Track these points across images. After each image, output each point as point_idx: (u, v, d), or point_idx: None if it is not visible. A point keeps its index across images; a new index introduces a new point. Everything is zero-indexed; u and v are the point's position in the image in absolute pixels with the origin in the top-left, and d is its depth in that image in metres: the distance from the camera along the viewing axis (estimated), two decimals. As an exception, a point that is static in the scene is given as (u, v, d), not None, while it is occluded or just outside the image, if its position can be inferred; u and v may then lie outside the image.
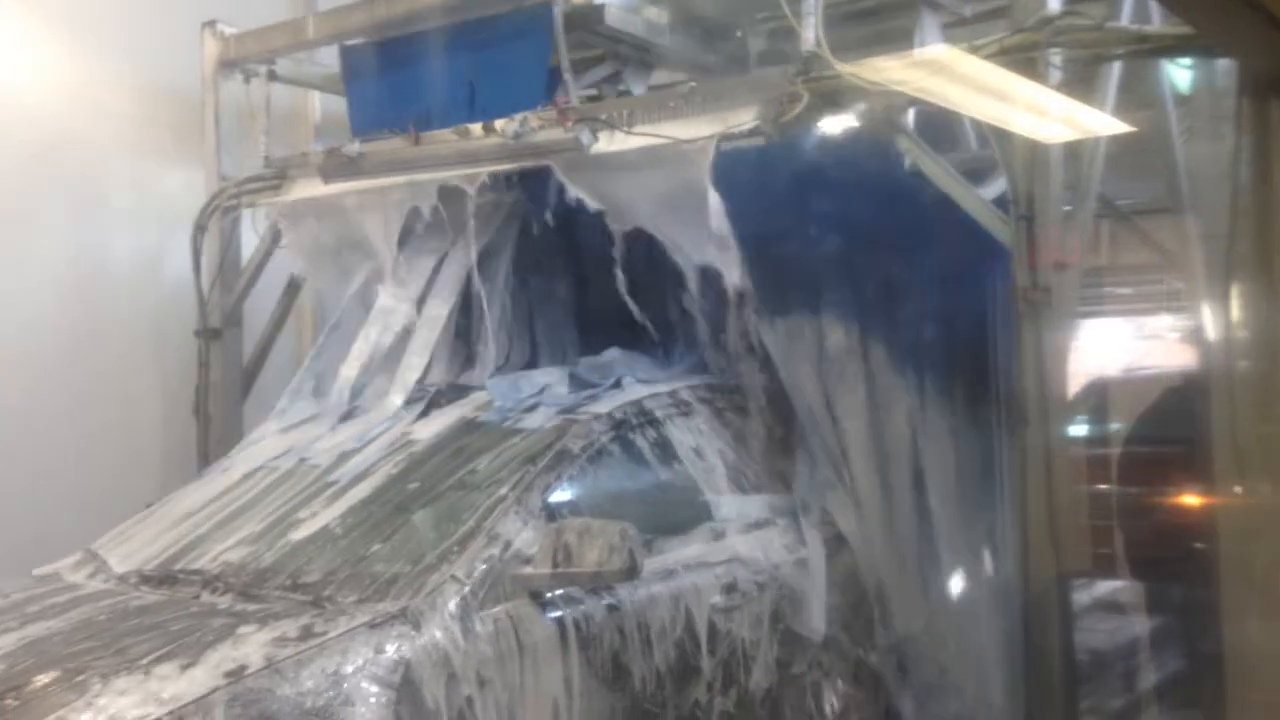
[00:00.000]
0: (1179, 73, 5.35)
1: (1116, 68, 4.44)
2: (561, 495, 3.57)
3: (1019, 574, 4.19)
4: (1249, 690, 3.45)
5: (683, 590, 3.64)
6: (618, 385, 4.25)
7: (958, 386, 4.64)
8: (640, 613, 3.47)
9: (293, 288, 5.94)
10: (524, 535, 3.32)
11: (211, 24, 5.85)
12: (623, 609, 3.43)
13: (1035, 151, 3.97)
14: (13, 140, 5.49)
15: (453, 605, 3.07)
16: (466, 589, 3.12)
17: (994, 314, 4.77)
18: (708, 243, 4.15)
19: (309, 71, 6.21)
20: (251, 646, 2.81)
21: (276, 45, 5.80)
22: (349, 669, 2.80)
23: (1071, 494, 4.10)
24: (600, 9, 4.81)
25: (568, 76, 4.56)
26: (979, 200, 4.18)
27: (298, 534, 3.57)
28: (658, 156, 4.19)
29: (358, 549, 3.39)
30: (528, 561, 3.25)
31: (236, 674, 2.69)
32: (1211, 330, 4.19)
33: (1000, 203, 4.17)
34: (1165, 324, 13.21)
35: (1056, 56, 3.85)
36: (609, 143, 4.31)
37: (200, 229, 5.74)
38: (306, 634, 2.89)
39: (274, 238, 5.62)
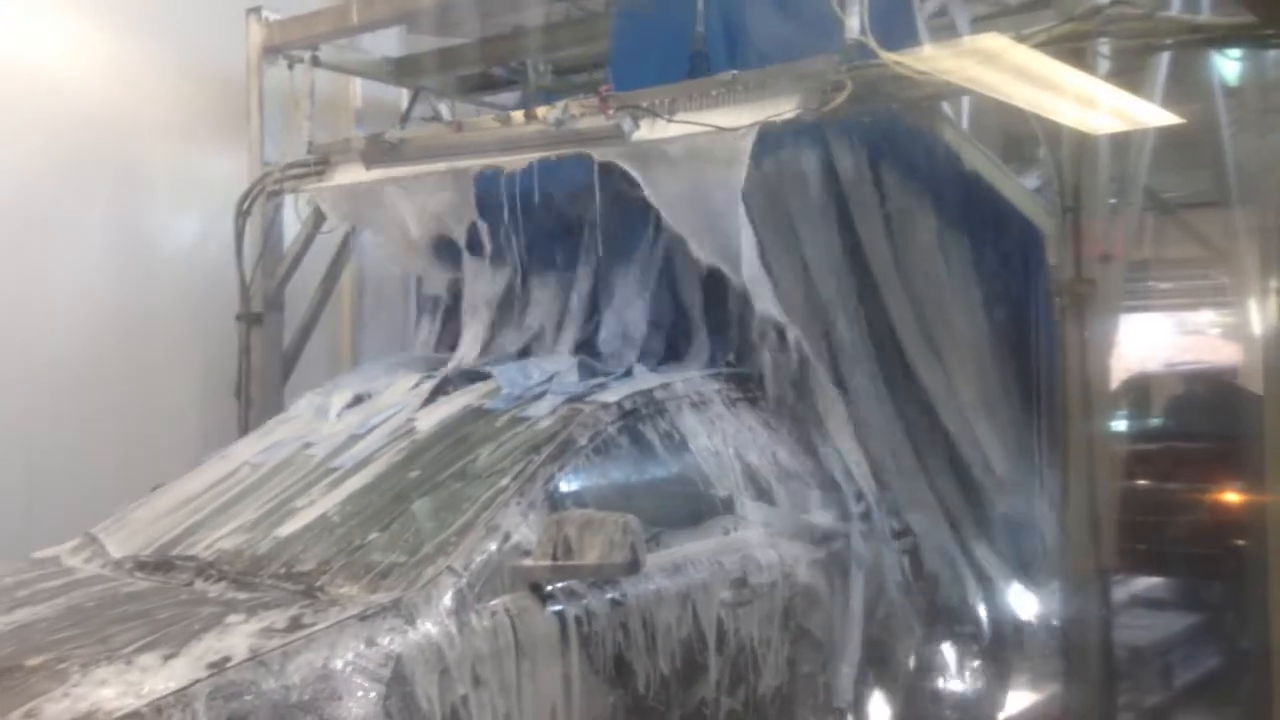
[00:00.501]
0: (1227, 64, 5.29)
1: (1165, 59, 4.39)
2: (566, 486, 3.47)
3: (1058, 568, 4.18)
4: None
5: (690, 586, 3.53)
6: (629, 374, 4.19)
7: (1007, 379, 4.63)
8: (645, 608, 3.37)
9: (333, 272, 5.99)
10: (524, 527, 3.22)
11: (256, 10, 5.90)
12: (627, 604, 3.32)
13: (1082, 142, 3.92)
14: (60, 125, 5.57)
15: (448, 598, 2.96)
16: (463, 581, 3.01)
17: (1037, 304, 4.76)
18: (739, 263, 4.13)
19: (351, 58, 6.26)
20: (237, 637, 2.73)
21: (320, 31, 5.84)
22: (337, 663, 2.70)
23: (1113, 488, 4.07)
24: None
25: None
26: (1023, 190, 4.14)
27: (295, 521, 3.49)
28: (697, 150, 4.16)
29: (354, 538, 3.29)
30: (528, 554, 3.15)
31: (219, 665, 2.60)
32: (1259, 325, 4.13)
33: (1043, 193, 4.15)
34: (1209, 319, 13.12)
35: (1105, 46, 3.79)
36: (650, 130, 4.30)
37: (243, 214, 5.80)
38: (295, 625, 2.80)
39: (316, 222, 5.66)
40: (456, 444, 3.73)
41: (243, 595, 3.06)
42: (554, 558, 3.09)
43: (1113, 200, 4.21)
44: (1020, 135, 4.93)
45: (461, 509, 3.28)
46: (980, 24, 5.12)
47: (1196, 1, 4.50)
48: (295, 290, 6.01)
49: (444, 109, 6.62)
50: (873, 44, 3.83)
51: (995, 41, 3.52)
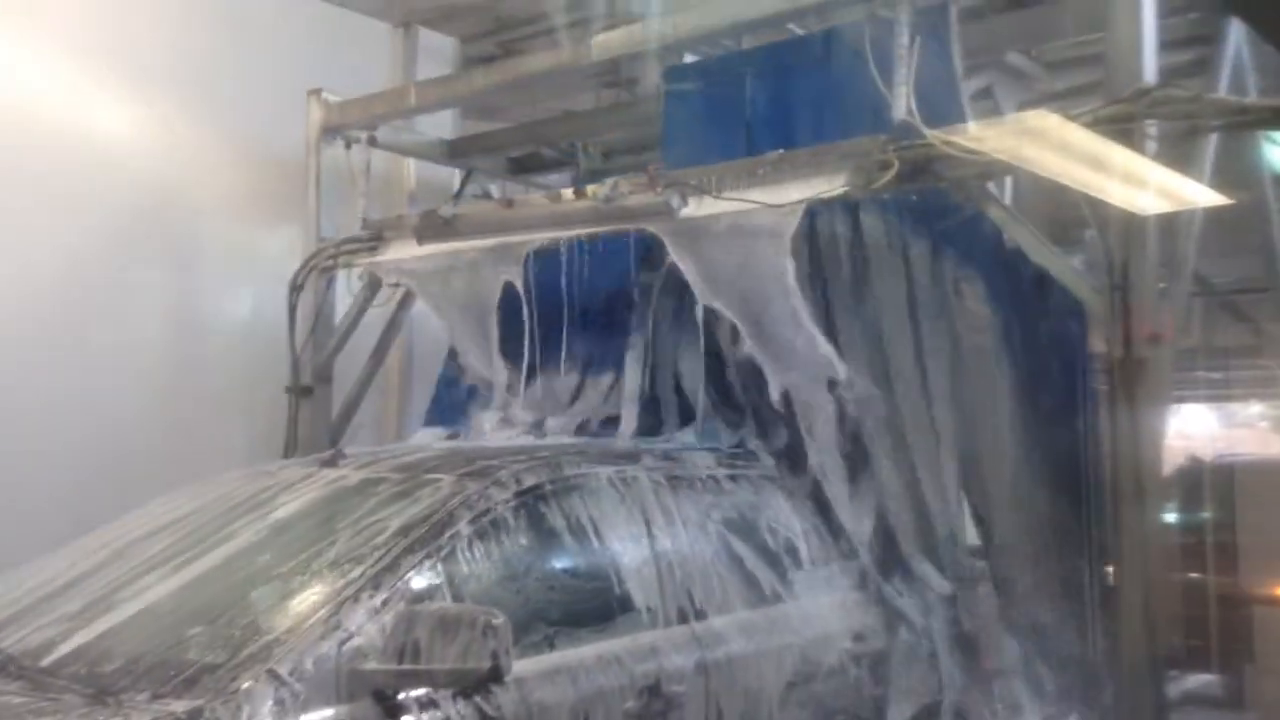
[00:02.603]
0: (1276, 151, 5.30)
1: (1213, 142, 4.41)
2: (436, 577, 3.00)
3: (1110, 659, 4.07)
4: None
5: (585, 695, 3.07)
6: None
7: (1051, 459, 4.58)
8: None
9: (383, 346, 6.07)
10: (373, 624, 2.77)
11: (317, 91, 6.08)
12: (501, 717, 2.87)
13: (1130, 222, 3.92)
14: (122, 201, 5.76)
15: (267, 708, 2.55)
16: (287, 688, 2.59)
17: (1084, 386, 4.72)
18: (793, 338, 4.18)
19: (407, 139, 6.42)
20: None
21: (378, 112, 6.01)
22: None
23: (1166, 578, 3.98)
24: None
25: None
26: (1071, 269, 4.14)
27: (121, 611, 3.07)
28: (743, 227, 4.22)
29: (176, 633, 2.87)
30: (375, 655, 2.74)
31: None
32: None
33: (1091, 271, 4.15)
34: (1259, 411, 12.90)
35: (1153, 128, 3.82)
36: (698, 207, 4.36)
37: (296, 288, 5.91)
38: None
39: (368, 297, 5.75)
40: (321, 523, 3.34)
41: (31, 699, 2.64)
42: (401, 661, 2.69)
43: (1161, 284, 4.19)
44: (1065, 218, 4.96)
45: (305, 599, 2.87)
46: (1027, 108, 5.18)
47: (1244, 85, 4.52)
48: (344, 363, 6.10)
49: (494, 189, 6.76)
50: (918, 123, 3.88)
51: (1043, 120, 3.57)
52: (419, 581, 2.95)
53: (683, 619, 3.47)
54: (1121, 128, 3.75)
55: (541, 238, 4.73)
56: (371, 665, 2.71)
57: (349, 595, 2.82)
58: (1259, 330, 6.31)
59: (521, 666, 2.86)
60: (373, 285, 5.75)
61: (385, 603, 2.83)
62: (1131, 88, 3.80)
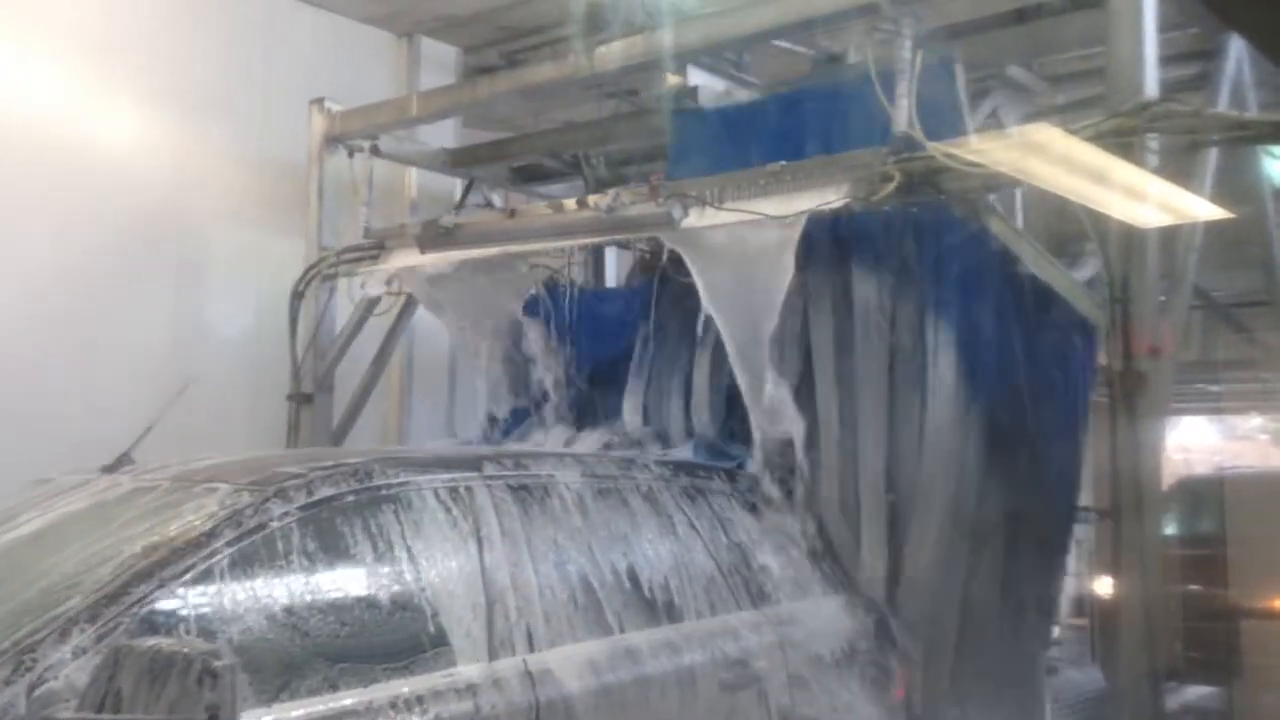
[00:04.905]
0: (1275, 164, 5.32)
1: (1213, 157, 4.42)
2: (180, 606, 2.52)
3: (1107, 672, 4.07)
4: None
5: None
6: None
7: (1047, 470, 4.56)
8: None
9: (383, 355, 6.08)
10: (82, 664, 2.34)
11: (319, 101, 6.10)
12: None
13: (1131, 236, 3.94)
14: (126, 209, 5.78)
15: None
16: None
17: (1083, 398, 4.71)
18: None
19: (409, 148, 6.44)
20: None
21: (380, 122, 6.03)
22: None
23: (1166, 590, 3.98)
24: (694, 90, 4.94)
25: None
26: (1072, 282, 4.15)
27: None
28: (744, 238, 4.24)
29: None
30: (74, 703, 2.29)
31: None
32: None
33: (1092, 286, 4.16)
34: (1259, 424, 12.90)
35: (1153, 142, 3.83)
36: (699, 218, 4.38)
37: (298, 296, 5.93)
38: None
39: (368, 306, 5.76)
40: (59, 542, 2.91)
41: None
42: (101, 708, 2.23)
43: (1161, 298, 4.20)
44: (1068, 232, 4.97)
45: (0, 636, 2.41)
46: (1028, 121, 5.19)
47: (1244, 99, 4.54)
48: (344, 371, 6.11)
49: (496, 198, 6.78)
50: (919, 135, 3.89)
51: (1044, 133, 3.58)
52: (156, 613, 2.48)
53: (512, 652, 3.00)
54: (1122, 142, 3.76)
55: (544, 247, 4.75)
56: (67, 715, 2.26)
57: (55, 630, 2.37)
58: (1259, 343, 6.31)
59: (285, 714, 2.49)
60: (373, 294, 5.77)
61: (102, 638, 2.38)
62: (1132, 102, 3.81)
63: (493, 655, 2.96)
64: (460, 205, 6.57)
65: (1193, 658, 5.95)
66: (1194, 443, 12.16)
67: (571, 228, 4.66)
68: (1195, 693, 6.63)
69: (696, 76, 4.96)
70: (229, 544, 2.64)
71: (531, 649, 3.05)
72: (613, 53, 4.98)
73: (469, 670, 2.88)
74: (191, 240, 6.12)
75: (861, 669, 3.93)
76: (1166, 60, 4.15)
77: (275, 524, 2.75)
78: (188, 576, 2.55)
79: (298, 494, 2.84)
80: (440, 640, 2.88)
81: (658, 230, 4.42)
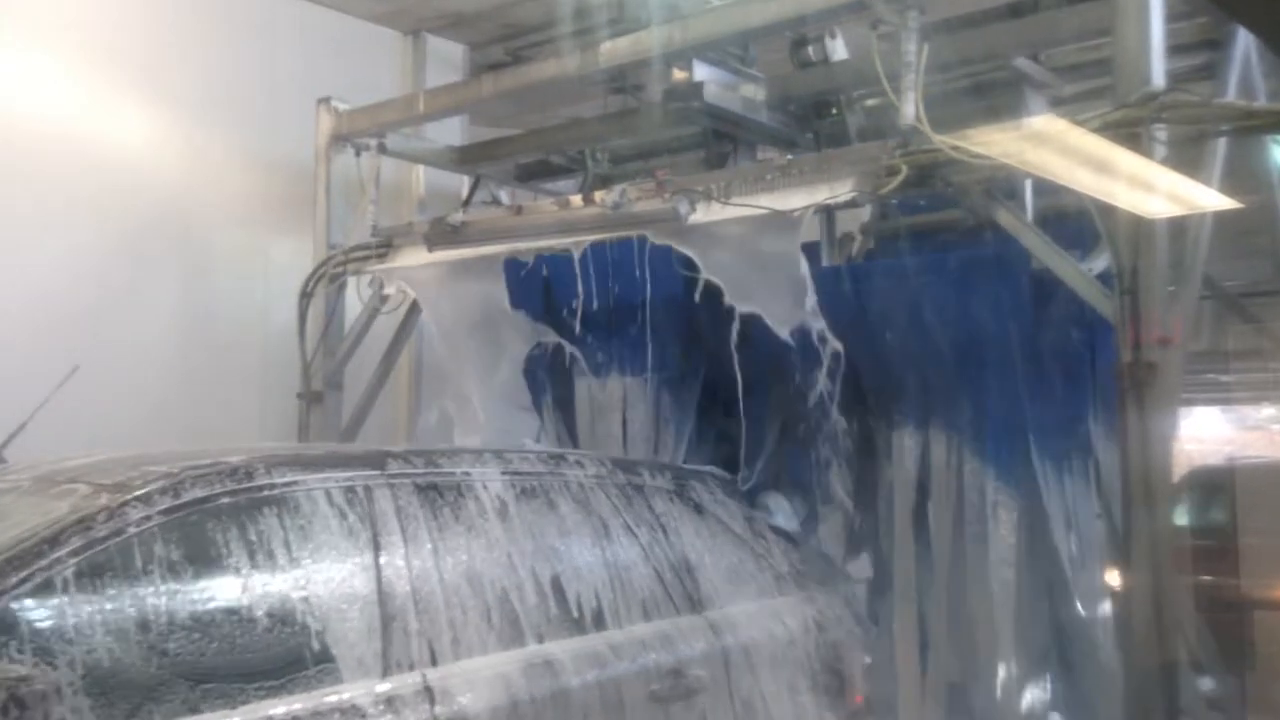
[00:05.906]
0: (1284, 153, 5.29)
1: (1221, 146, 4.39)
2: (7, 619, 2.29)
3: (1121, 665, 4.06)
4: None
5: None
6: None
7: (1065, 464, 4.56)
8: None
9: (393, 353, 6.09)
10: None
11: (326, 100, 6.11)
12: None
13: (1139, 226, 3.92)
14: (135, 208, 5.81)
15: None
16: None
17: (1095, 391, 4.70)
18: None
19: (416, 146, 6.45)
20: None
21: (387, 120, 6.04)
22: None
23: (1178, 581, 3.97)
24: (699, 86, 4.93)
25: None
26: (1081, 274, 4.13)
27: None
28: (752, 233, 4.25)
29: None
30: None
31: None
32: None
33: (1103, 278, 4.14)
34: (1271, 414, 12.85)
35: (1161, 132, 3.82)
36: (706, 213, 4.38)
37: (306, 295, 5.95)
38: None
39: (377, 304, 5.77)
40: None
41: None
42: None
43: (1171, 287, 4.19)
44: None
45: None
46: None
47: (1252, 89, 4.51)
48: (354, 369, 6.12)
49: (503, 195, 6.77)
50: (926, 128, 3.88)
51: (1051, 125, 3.57)
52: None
53: (410, 668, 2.81)
54: (1130, 132, 3.75)
55: (551, 244, 4.75)
56: None
57: None
58: (1269, 333, 6.28)
59: None
60: (382, 291, 5.78)
61: None
62: (1140, 92, 3.78)
63: (387, 671, 2.76)
64: (467, 202, 6.57)
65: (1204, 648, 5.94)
66: (1205, 433, 12.10)
67: (578, 224, 4.67)
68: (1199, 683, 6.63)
69: (702, 71, 4.95)
70: (75, 552, 2.42)
71: (434, 663, 2.85)
72: (619, 48, 4.98)
73: (356, 688, 2.68)
74: (199, 239, 6.14)
75: (815, 675, 3.80)
76: (1174, 50, 4.12)
77: (133, 529, 2.52)
78: (24, 588, 2.32)
79: (162, 496, 2.61)
80: (324, 656, 2.68)
81: (664, 226, 4.42)
